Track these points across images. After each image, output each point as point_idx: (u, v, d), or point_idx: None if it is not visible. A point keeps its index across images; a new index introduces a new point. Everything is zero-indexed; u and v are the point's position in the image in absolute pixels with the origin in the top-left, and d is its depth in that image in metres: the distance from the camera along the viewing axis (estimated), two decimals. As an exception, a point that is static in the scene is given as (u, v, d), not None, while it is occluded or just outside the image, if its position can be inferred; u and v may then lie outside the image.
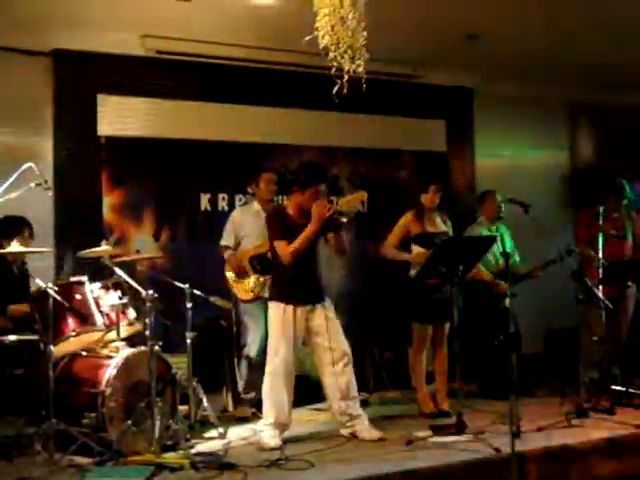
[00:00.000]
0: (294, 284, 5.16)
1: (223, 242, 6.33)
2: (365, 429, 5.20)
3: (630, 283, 6.58)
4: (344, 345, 5.23)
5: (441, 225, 6.14)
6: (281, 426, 5.14)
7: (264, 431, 5.12)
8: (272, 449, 4.93)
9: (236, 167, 7.23)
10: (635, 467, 4.99)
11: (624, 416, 5.51)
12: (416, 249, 6.00)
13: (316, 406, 6.09)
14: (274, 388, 5.12)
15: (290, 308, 5.13)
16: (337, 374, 5.18)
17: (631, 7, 6.31)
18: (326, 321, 5.20)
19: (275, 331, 5.17)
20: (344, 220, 5.08)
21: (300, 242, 5.06)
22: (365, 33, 4.64)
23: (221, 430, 5.38)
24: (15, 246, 5.08)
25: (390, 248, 6.09)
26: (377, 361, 7.15)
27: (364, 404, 5.77)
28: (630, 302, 6.92)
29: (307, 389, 5.89)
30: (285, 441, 5.08)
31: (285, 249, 5.10)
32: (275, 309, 5.20)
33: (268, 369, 5.18)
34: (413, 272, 5.93)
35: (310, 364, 5.58)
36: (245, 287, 6.19)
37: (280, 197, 6.95)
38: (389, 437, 5.19)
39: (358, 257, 7.32)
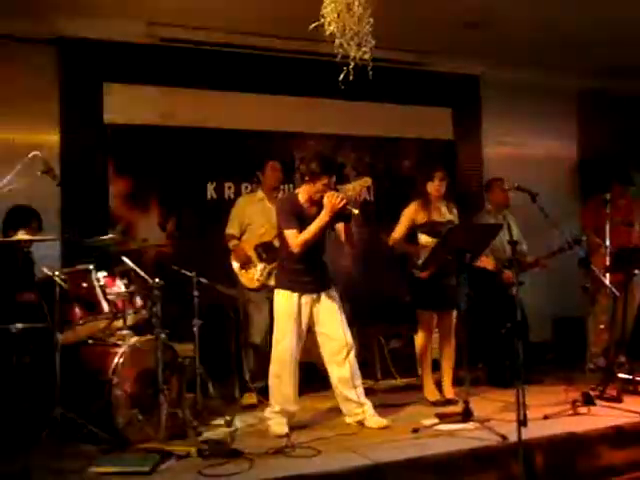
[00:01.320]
0: (300, 272, 5.16)
1: (228, 230, 6.35)
2: (371, 417, 5.21)
3: (637, 271, 6.56)
4: (347, 334, 5.22)
5: (447, 214, 6.12)
6: (288, 414, 5.15)
7: (271, 419, 5.14)
8: (279, 437, 4.94)
9: (242, 155, 7.23)
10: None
11: (631, 404, 5.49)
12: (423, 238, 5.99)
13: (322, 394, 6.08)
14: (280, 376, 5.13)
15: (295, 296, 5.14)
16: (341, 363, 5.18)
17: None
18: (331, 310, 5.21)
19: (280, 319, 5.18)
20: (356, 211, 5.07)
21: (311, 232, 5.05)
22: (371, 20, 4.62)
23: (228, 418, 5.38)
24: (21, 235, 5.07)
25: (397, 240, 6.06)
26: (383, 349, 7.14)
27: (370, 392, 5.77)
28: (636, 289, 6.91)
29: (313, 376, 5.89)
30: (291, 428, 5.09)
31: (295, 238, 5.08)
32: (280, 297, 5.20)
33: (273, 357, 5.19)
34: (420, 261, 5.92)
35: (316, 351, 5.57)
36: (251, 275, 6.20)
37: (285, 186, 6.97)
38: (395, 425, 5.20)
39: (365, 245, 7.32)
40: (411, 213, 6.05)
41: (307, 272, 5.18)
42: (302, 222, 5.11)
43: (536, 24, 6.99)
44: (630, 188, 6.98)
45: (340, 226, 5.21)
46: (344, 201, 4.99)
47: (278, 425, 5.09)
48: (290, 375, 5.12)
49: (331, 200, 4.99)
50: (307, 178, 5.20)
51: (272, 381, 5.19)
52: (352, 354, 5.23)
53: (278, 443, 4.75)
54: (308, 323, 5.22)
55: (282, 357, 5.13)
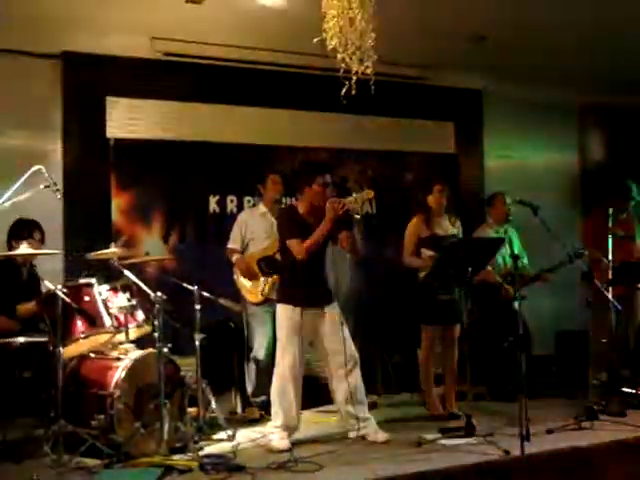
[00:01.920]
0: (302, 286, 5.17)
1: (230, 245, 6.34)
2: (373, 431, 5.19)
3: (640, 285, 6.57)
4: (351, 349, 5.21)
5: (450, 227, 6.12)
6: (290, 428, 5.14)
7: (273, 433, 5.12)
8: (281, 451, 4.92)
9: (244, 169, 7.24)
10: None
11: (634, 418, 5.48)
12: (425, 252, 5.99)
13: (324, 408, 6.07)
14: (282, 390, 5.12)
15: (298, 310, 5.13)
16: (344, 378, 5.16)
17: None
18: (333, 324, 5.19)
19: (283, 333, 5.17)
20: (357, 217, 5.07)
21: (314, 239, 5.06)
22: (373, 34, 4.64)
23: (230, 432, 5.37)
24: (24, 248, 5.08)
25: (411, 258, 6.05)
26: (386, 364, 7.13)
27: (373, 407, 5.76)
28: (639, 303, 6.88)
29: (315, 391, 5.88)
30: (294, 443, 5.07)
31: (299, 246, 5.08)
32: (283, 311, 5.19)
33: (276, 371, 5.18)
34: (422, 275, 5.92)
35: (318, 366, 5.56)
36: (254, 290, 6.19)
37: (287, 199, 6.99)
38: (398, 439, 5.17)
39: (367, 259, 7.31)
40: (415, 229, 6.05)
41: (309, 286, 5.17)
42: (303, 233, 5.12)
43: (537, 39, 7.01)
44: (631, 202, 6.97)
45: (342, 235, 5.20)
46: (345, 207, 5.01)
47: (280, 440, 5.06)
48: (292, 390, 5.11)
49: (333, 206, 5.01)
50: (302, 185, 5.23)
51: (274, 395, 5.18)
52: (357, 368, 5.22)
53: (280, 458, 4.73)
54: (311, 337, 5.22)
55: (284, 371, 5.12)
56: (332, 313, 5.24)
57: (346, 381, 5.16)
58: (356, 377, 5.21)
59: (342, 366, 5.17)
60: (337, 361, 5.18)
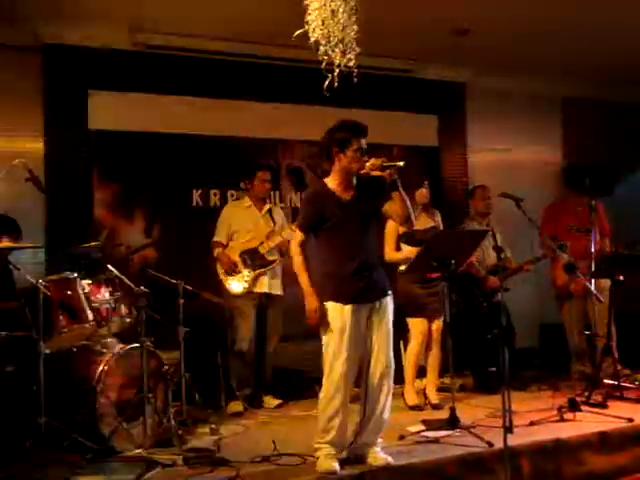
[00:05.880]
0: (345, 277, 4.43)
1: (215, 238, 6.34)
2: None
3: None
4: (390, 357, 4.54)
5: (429, 222, 6.13)
6: (339, 446, 4.47)
7: (318, 450, 4.46)
8: (328, 473, 4.30)
9: (228, 162, 7.21)
10: (627, 460, 4.99)
11: (616, 410, 5.51)
12: (405, 247, 5.99)
13: (308, 401, 6.06)
14: (333, 402, 4.40)
15: (345, 308, 4.40)
16: (379, 389, 4.52)
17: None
18: (382, 328, 4.50)
19: (332, 336, 4.40)
20: (401, 163, 4.40)
21: (298, 273, 4.49)
22: (356, 27, 4.62)
23: (213, 426, 5.37)
24: (4, 242, 5.04)
25: (394, 254, 6.03)
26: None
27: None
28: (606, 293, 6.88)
29: (300, 384, 5.88)
30: (276, 436, 5.01)
31: (295, 244, 4.55)
32: (332, 309, 4.43)
33: (326, 379, 4.45)
34: (403, 267, 5.92)
35: (304, 359, 5.54)
36: (236, 282, 6.19)
37: (274, 194, 7.00)
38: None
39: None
40: (395, 224, 6.01)
41: (354, 276, 4.43)
42: (337, 210, 4.46)
43: (520, 32, 7.01)
44: (585, 195, 6.87)
45: (391, 207, 4.53)
46: (377, 165, 4.41)
47: (326, 459, 4.39)
48: (345, 399, 4.42)
49: (373, 162, 4.42)
50: (335, 150, 4.50)
51: (323, 406, 4.45)
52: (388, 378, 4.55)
53: (264, 451, 4.70)
54: (365, 335, 4.47)
55: (335, 380, 4.38)
56: (382, 312, 4.51)
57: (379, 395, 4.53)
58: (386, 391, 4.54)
59: (383, 374, 4.49)
60: (379, 363, 4.49)
